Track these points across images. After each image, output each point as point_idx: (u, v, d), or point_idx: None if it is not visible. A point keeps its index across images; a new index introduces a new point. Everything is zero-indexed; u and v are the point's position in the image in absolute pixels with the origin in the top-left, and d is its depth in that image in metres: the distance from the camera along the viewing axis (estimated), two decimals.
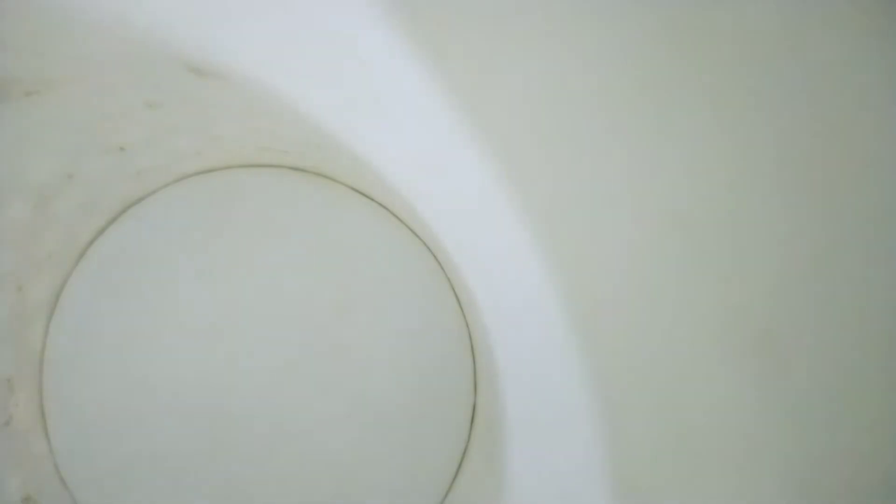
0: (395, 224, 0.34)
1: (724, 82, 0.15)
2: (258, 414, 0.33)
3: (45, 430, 0.32)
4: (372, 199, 0.34)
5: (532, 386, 0.24)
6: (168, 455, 0.32)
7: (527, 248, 0.19)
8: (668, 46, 0.15)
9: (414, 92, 0.16)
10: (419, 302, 0.34)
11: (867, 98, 0.14)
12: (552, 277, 0.19)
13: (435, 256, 0.34)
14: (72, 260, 0.33)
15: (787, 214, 0.15)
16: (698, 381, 0.16)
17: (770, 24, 0.15)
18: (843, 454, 0.15)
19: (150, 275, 0.33)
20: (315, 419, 0.33)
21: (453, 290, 0.34)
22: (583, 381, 0.18)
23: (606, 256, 0.18)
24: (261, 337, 0.33)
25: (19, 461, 0.30)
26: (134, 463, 0.32)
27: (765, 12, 0.14)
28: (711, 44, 0.15)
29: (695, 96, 0.16)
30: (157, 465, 0.32)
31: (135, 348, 0.33)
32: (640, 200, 0.17)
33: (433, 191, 0.22)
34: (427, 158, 0.19)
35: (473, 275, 0.28)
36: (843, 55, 0.14)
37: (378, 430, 0.33)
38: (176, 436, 0.32)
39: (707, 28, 0.15)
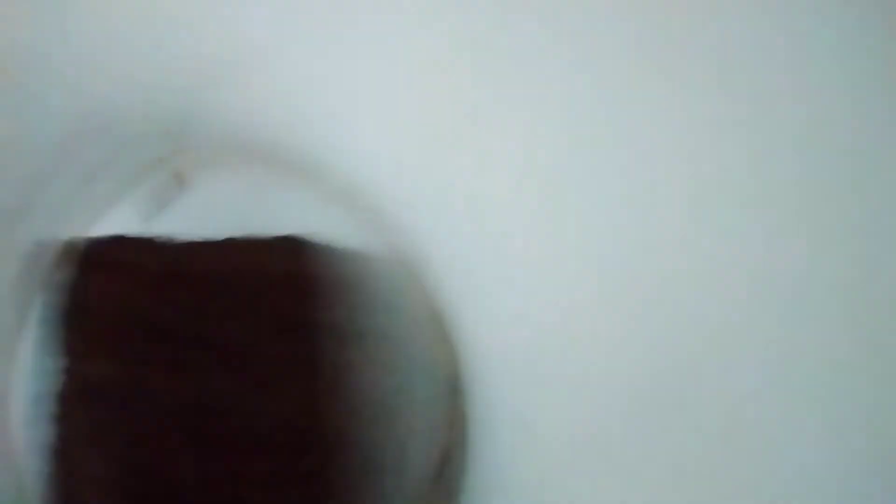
0: (376, 226, 0.34)
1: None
2: None
3: None
4: (355, 204, 0.33)
5: (506, 382, 0.24)
6: None
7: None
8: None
9: (387, 95, 0.17)
10: (397, 304, 0.33)
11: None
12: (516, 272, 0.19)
13: (412, 257, 0.33)
14: None
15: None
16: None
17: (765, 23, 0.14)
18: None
19: None
20: None
21: (429, 289, 0.33)
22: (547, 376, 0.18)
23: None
24: None
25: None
26: None
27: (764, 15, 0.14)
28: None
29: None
30: None
31: None
32: None
33: (403, 189, 0.22)
34: (401, 160, 0.20)
35: (447, 271, 0.28)
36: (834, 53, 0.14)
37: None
38: None
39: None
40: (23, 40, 0.20)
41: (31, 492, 0.27)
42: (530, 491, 0.24)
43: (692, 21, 0.16)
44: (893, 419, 0.16)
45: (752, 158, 0.17)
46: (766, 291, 0.17)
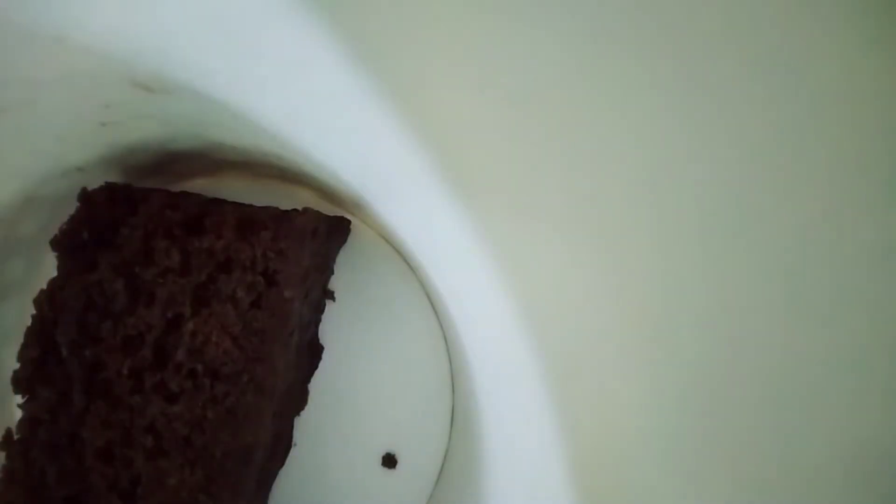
0: (363, 229, 0.34)
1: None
2: None
3: None
4: (339, 206, 0.34)
5: (499, 381, 0.24)
6: None
7: (479, 241, 0.19)
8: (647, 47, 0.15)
9: (353, 98, 0.16)
10: (393, 304, 0.34)
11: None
12: (506, 277, 0.19)
13: (406, 261, 0.34)
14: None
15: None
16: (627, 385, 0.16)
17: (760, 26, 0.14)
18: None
19: None
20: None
21: (427, 293, 0.34)
22: (540, 376, 0.18)
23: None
24: None
25: None
26: None
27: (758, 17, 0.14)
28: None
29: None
30: None
31: None
32: None
33: (388, 195, 0.23)
34: (375, 165, 0.20)
35: (440, 275, 0.28)
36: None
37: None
38: None
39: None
40: None
41: None
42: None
43: None
44: None
45: None
46: None
